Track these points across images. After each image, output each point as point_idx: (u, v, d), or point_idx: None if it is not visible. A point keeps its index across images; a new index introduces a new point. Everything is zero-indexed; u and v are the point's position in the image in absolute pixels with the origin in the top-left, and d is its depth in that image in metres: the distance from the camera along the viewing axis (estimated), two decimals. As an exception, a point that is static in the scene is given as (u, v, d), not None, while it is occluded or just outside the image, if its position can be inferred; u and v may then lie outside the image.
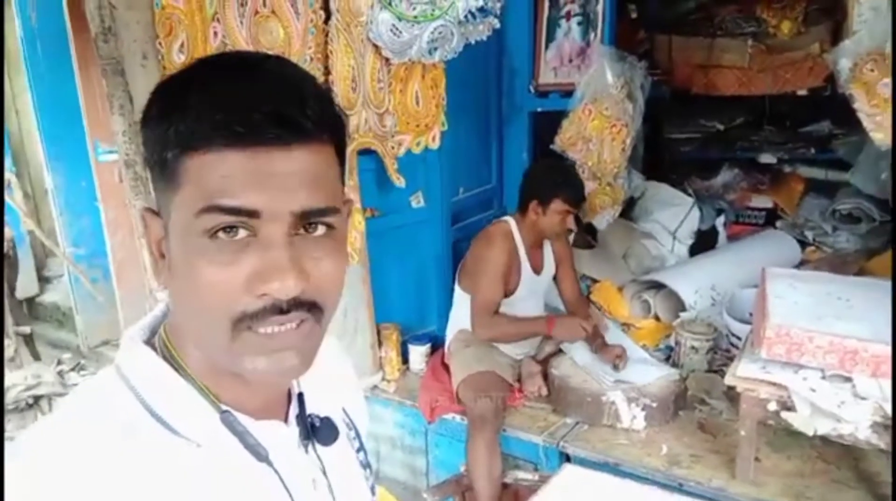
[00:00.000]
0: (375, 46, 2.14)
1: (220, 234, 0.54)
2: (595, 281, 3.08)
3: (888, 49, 2.22)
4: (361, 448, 0.79)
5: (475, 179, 3.00)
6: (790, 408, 1.73)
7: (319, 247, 0.57)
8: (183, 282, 0.57)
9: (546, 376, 2.37)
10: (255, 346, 0.56)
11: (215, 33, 1.78)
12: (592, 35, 2.97)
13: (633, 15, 3.47)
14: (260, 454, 0.61)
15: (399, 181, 2.38)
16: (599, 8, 2.94)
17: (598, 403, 2.17)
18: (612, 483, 1.50)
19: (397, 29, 2.12)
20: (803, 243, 3.32)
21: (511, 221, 2.44)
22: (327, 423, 0.68)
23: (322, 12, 2.01)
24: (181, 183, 0.55)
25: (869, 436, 1.65)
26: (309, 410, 0.68)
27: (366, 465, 0.78)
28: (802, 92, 3.47)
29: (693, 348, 2.45)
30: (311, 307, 0.56)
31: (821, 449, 1.94)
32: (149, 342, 0.63)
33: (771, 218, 3.64)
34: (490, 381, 2.25)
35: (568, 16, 3.02)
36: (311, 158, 0.56)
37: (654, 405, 2.14)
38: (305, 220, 0.56)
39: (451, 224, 2.81)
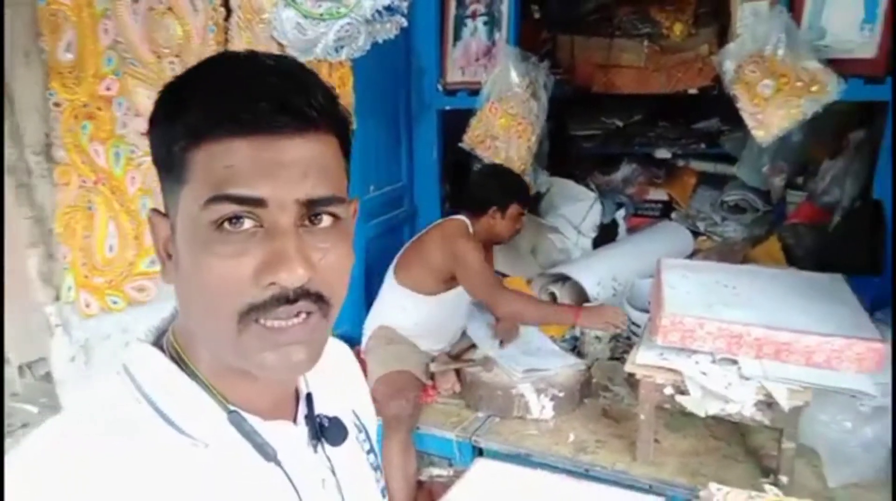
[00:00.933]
0: (280, 45, 2.10)
1: (226, 225, 0.54)
2: (505, 276, 3.16)
3: (768, 51, 2.38)
4: (372, 451, 0.80)
5: (385, 177, 3.00)
6: (684, 392, 1.84)
7: (327, 238, 0.57)
8: (190, 278, 0.56)
9: (458, 371, 2.42)
10: (262, 340, 0.56)
11: (106, 31, 1.70)
12: (498, 35, 3.02)
13: (537, 15, 3.55)
14: (268, 454, 0.61)
15: (308, 181, 2.35)
16: (504, 8, 3.00)
17: (508, 396, 2.23)
18: (523, 473, 1.56)
19: (302, 27, 2.09)
20: (696, 233, 3.51)
21: (466, 220, 2.47)
22: (336, 423, 0.69)
23: (222, 9, 1.96)
24: (188, 176, 0.55)
25: (753, 413, 1.79)
26: (317, 410, 0.69)
27: (376, 467, 0.80)
28: (693, 91, 3.67)
29: (596, 337, 2.56)
30: (317, 299, 0.57)
31: (713, 428, 2.08)
32: (157, 343, 0.63)
33: (667, 210, 3.81)
34: (406, 380, 2.27)
35: (474, 15, 3.06)
36: (317, 147, 0.56)
37: (562, 394, 2.23)
38: (311, 209, 0.56)
39: (363, 223, 2.80)
